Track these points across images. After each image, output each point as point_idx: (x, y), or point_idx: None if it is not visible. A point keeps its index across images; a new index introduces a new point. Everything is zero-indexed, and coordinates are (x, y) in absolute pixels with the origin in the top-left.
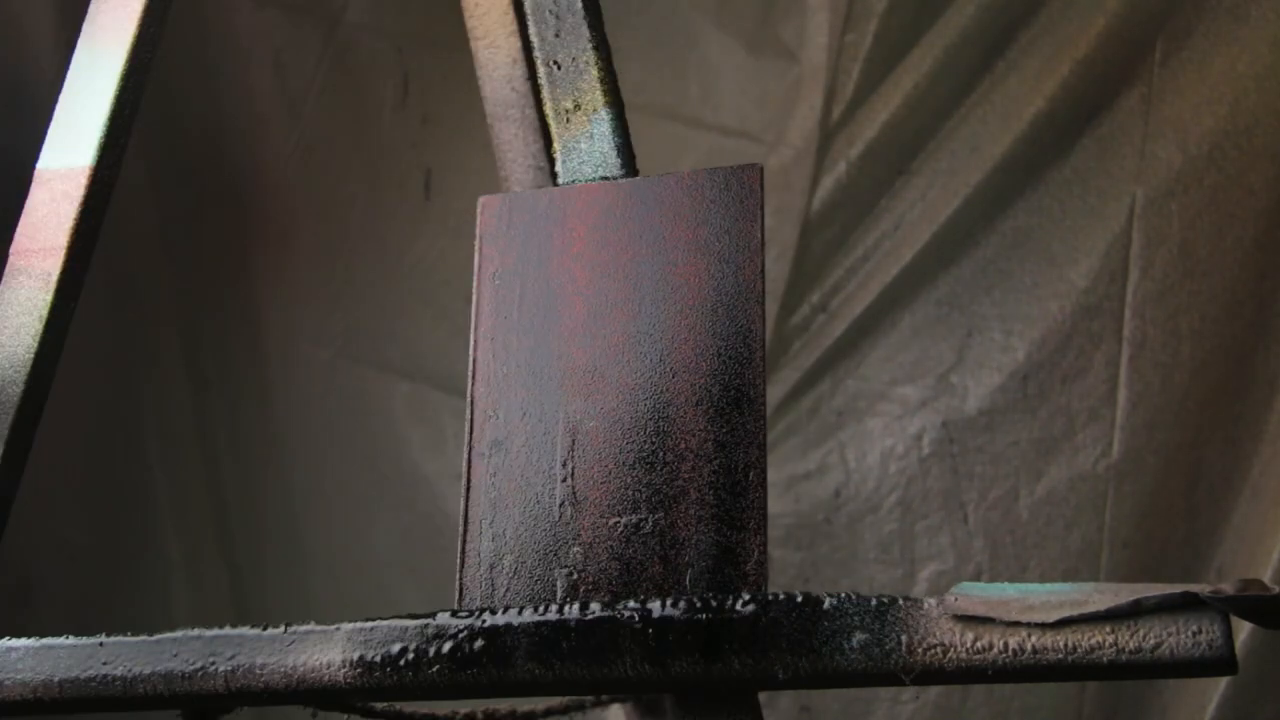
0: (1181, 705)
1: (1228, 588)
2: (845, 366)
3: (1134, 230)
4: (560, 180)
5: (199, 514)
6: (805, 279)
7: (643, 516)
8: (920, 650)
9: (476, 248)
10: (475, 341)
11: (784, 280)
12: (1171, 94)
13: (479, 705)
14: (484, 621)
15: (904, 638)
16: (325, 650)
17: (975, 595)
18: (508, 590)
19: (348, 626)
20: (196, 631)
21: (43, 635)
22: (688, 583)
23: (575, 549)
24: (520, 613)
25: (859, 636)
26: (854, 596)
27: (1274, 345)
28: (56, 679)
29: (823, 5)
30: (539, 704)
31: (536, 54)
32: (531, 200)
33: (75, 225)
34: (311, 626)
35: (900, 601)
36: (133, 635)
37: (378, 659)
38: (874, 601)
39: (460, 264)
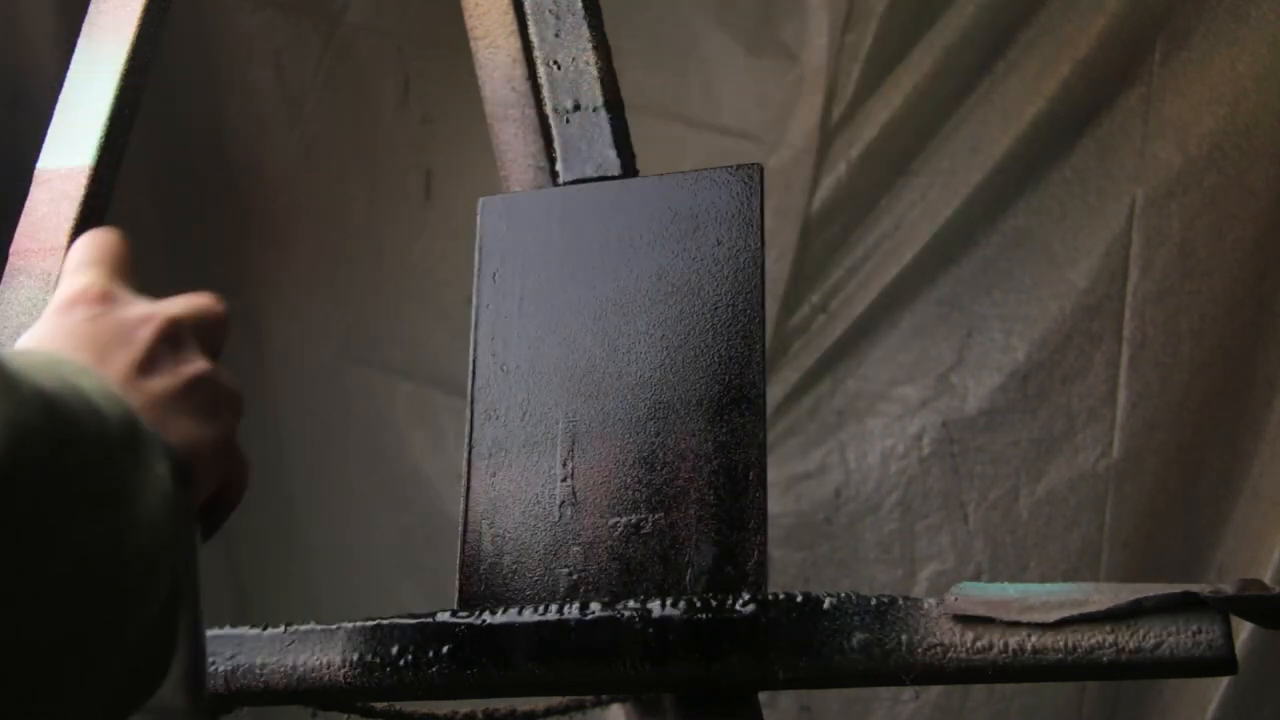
0: (1181, 705)
1: (1228, 588)
2: (845, 366)
3: (1134, 230)
4: (560, 180)
5: None
6: (805, 279)
7: (643, 516)
8: (920, 650)
9: (476, 248)
10: (475, 341)
11: (784, 280)
12: (1171, 94)
13: (479, 705)
14: (484, 621)
15: (904, 638)
16: (325, 650)
17: (975, 595)
18: (508, 590)
19: (348, 626)
20: None
21: None
22: (688, 583)
23: (575, 549)
24: (520, 613)
25: (859, 636)
26: (854, 596)
27: (1274, 345)
28: None
29: (823, 5)
30: (539, 704)
31: (536, 54)
32: (531, 200)
33: (75, 225)
34: (311, 626)
35: (900, 601)
36: None
37: (378, 659)
38: (874, 601)
39: (460, 264)
